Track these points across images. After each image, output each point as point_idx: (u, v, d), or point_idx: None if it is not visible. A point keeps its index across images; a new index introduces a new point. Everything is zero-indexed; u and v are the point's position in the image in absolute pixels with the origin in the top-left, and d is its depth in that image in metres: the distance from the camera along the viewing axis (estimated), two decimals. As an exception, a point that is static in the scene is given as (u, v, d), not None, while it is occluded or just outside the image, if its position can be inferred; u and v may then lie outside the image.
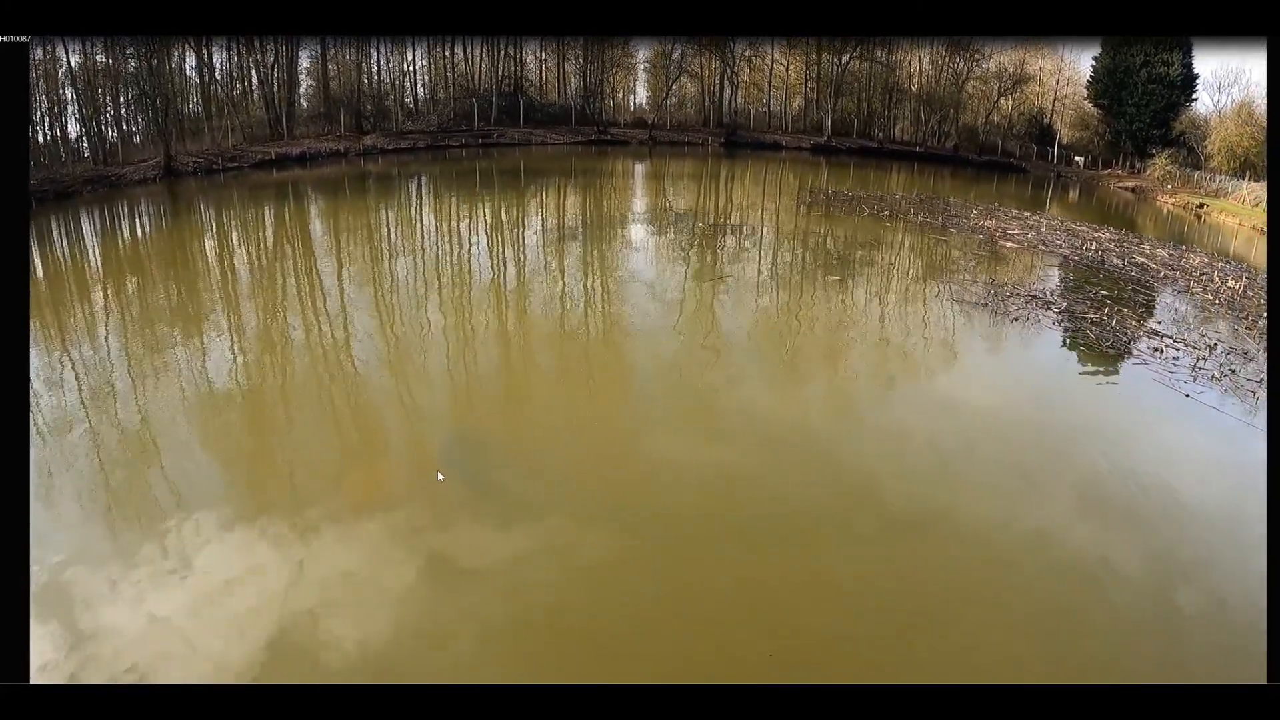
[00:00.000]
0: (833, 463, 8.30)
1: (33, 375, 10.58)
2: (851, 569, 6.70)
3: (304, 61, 45.24)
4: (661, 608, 6.28)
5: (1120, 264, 19.36)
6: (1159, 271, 19.03)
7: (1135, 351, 12.25)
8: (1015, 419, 9.76)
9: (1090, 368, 11.74)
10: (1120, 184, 46.92)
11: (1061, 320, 13.62)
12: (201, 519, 7.10)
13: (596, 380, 11.05)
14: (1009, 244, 21.03)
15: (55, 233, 23.66)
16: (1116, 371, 11.57)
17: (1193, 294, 17.14)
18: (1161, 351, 12.30)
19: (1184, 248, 23.71)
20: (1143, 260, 20.18)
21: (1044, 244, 21.25)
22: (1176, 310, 15.78)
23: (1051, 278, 17.05)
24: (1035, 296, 14.93)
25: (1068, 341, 12.79)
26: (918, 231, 22.64)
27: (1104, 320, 13.66)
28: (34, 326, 13.10)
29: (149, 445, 8.65)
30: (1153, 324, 13.98)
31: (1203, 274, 19.31)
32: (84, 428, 8.99)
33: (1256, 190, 39.61)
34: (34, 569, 6.29)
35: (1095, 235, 23.45)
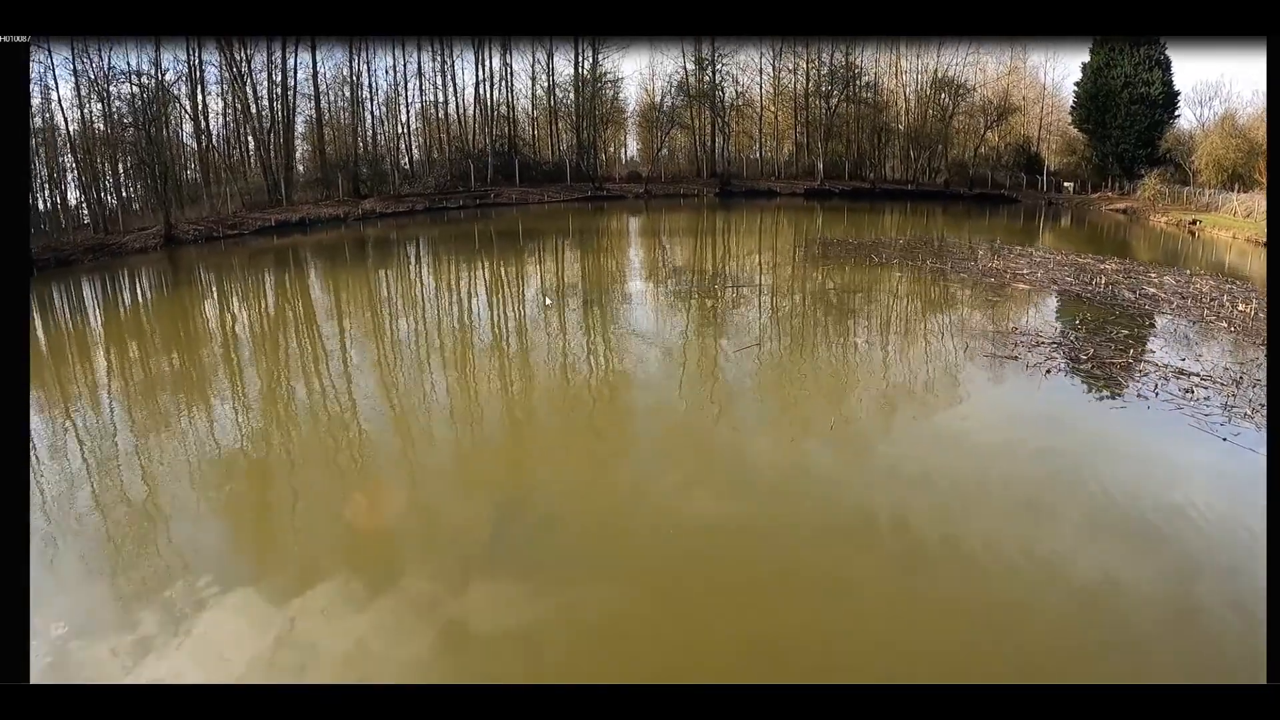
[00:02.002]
0: (879, 529, 8.26)
1: (36, 442, 11.10)
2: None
3: (299, 127, 45.95)
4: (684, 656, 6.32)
5: (1132, 297, 19.57)
6: (1171, 301, 19.22)
7: (1167, 394, 12.30)
8: (1064, 479, 9.67)
9: (1129, 419, 11.66)
10: (1111, 207, 47.48)
11: (1091, 368, 13.70)
12: (208, 588, 7.21)
13: (615, 441, 11.12)
14: (1021, 285, 21.23)
15: (58, 301, 23.86)
16: (1155, 420, 11.53)
17: (1207, 323, 17.26)
18: (1192, 392, 12.37)
19: (1188, 272, 23.94)
20: (1152, 290, 20.40)
21: (1055, 282, 21.46)
22: (1196, 343, 15.85)
23: (1071, 319, 17.16)
24: (1060, 344, 15.06)
25: (1101, 391, 12.82)
26: (929, 279, 22.91)
27: (1130, 364, 13.79)
28: (37, 395, 13.67)
29: (158, 515, 8.86)
30: (1178, 362, 14.07)
31: (1212, 299, 19.51)
32: (88, 495, 9.36)
33: (1246, 201, 40.27)
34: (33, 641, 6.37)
35: (1102, 267, 23.75)
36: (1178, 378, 13.10)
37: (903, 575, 7.51)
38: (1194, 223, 40.60)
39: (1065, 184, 52.11)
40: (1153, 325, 17.12)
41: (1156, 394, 12.37)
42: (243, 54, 41.22)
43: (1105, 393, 12.73)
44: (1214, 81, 50.54)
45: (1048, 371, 13.52)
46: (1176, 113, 50.37)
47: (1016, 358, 14.29)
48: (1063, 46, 51.08)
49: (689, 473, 10.01)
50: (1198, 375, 13.22)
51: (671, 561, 7.77)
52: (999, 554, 7.85)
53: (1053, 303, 19.47)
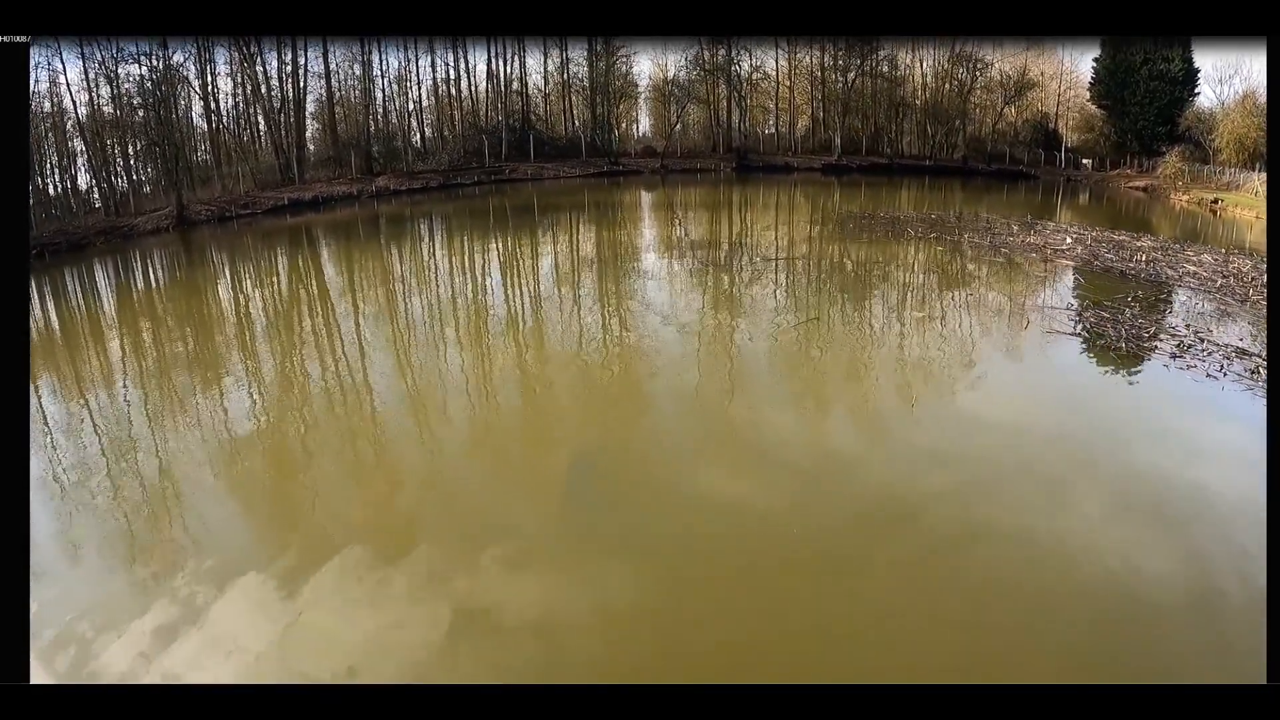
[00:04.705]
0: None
1: (52, 427, 11.25)
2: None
3: (310, 106, 45.47)
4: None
5: (1175, 274, 19.44)
6: (1214, 280, 19.01)
7: (1235, 374, 12.20)
8: (1166, 467, 9.55)
9: (1212, 399, 11.52)
10: (1130, 184, 47.12)
11: (1155, 346, 13.58)
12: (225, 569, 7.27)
13: (665, 427, 10.78)
14: (1064, 261, 21.09)
15: (70, 285, 23.71)
16: (1235, 401, 11.38)
17: (1254, 303, 17.08)
18: (1258, 372, 12.23)
19: (1224, 251, 23.70)
20: (1192, 268, 20.22)
21: (1096, 258, 21.28)
22: (1248, 322, 15.73)
23: (1122, 296, 16.92)
24: (1118, 320, 14.93)
25: (1173, 370, 12.66)
26: (972, 255, 22.75)
27: (1193, 343, 13.65)
28: (52, 380, 13.78)
29: (183, 499, 8.88)
30: (1237, 342, 13.92)
31: (1253, 279, 19.30)
32: (103, 477, 9.41)
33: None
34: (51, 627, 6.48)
35: (1138, 245, 23.51)
36: (1241, 358, 12.99)
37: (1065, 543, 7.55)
38: (1215, 201, 40.23)
39: (1084, 161, 51.68)
40: (1202, 304, 17.00)
41: (1224, 374, 12.26)
42: (251, 34, 40.62)
43: (1177, 371, 12.57)
44: (1234, 59, 49.84)
45: (1114, 350, 13.41)
46: (1196, 90, 49.76)
47: (1080, 335, 14.20)
48: (1063, 45, 50.82)
49: (787, 440, 9.93)
50: (1259, 356, 13.06)
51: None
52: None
53: (1100, 280, 19.21)
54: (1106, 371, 12.85)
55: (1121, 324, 14.68)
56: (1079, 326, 14.70)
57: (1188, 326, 14.72)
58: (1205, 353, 13.17)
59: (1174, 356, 13.04)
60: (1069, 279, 19.59)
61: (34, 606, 6.58)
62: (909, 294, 18.35)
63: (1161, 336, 14.03)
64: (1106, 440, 10.11)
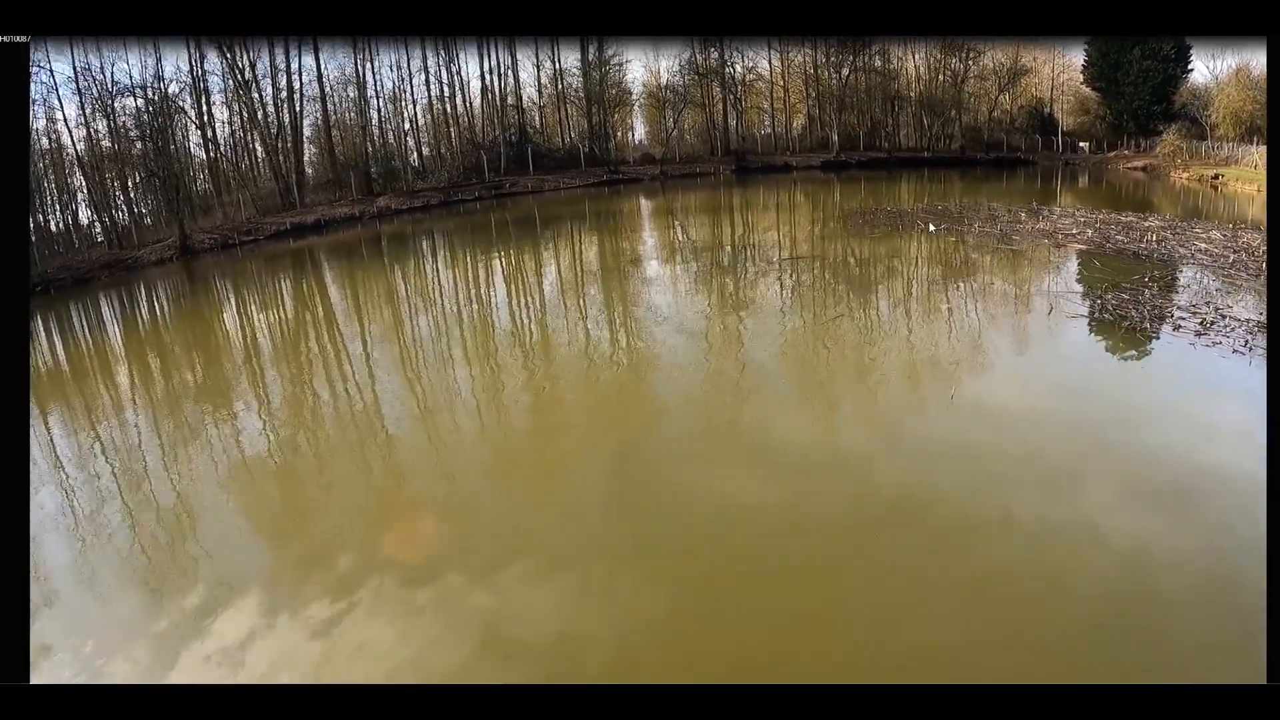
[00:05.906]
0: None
1: (64, 460, 11.24)
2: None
3: (306, 130, 45.61)
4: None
5: (1187, 252, 19.42)
6: (1226, 256, 18.97)
7: (1260, 349, 12.12)
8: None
9: (1246, 376, 11.49)
10: (1129, 165, 47.00)
11: (1175, 326, 13.55)
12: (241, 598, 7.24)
13: (685, 444, 10.52)
14: (1076, 245, 21.04)
15: (76, 320, 23.75)
16: (1261, 375, 11.35)
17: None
18: (1282, 346, 12.22)
19: (1231, 226, 23.62)
20: (1203, 245, 20.20)
21: (1108, 240, 21.26)
22: (1264, 297, 15.68)
23: (1139, 277, 16.88)
24: (1138, 301, 14.91)
25: (1202, 347, 12.58)
26: (983, 244, 22.68)
27: (1215, 320, 13.60)
28: (62, 414, 13.89)
29: (205, 526, 8.84)
30: (1257, 316, 13.88)
31: (1263, 253, 19.27)
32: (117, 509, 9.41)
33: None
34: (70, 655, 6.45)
35: (1146, 225, 23.49)
36: (1264, 332, 12.91)
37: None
38: (1216, 177, 40.09)
39: (1080, 144, 51.55)
40: (1218, 280, 16.93)
41: (1249, 349, 12.21)
42: (245, 60, 40.68)
43: (1203, 349, 12.50)
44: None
45: (1140, 331, 13.39)
46: (1190, 66, 49.63)
47: (1104, 318, 14.18)
48: (1062, 44, 50.78)
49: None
50: (1279, 330, 13.04)
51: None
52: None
53: (1115, 262, 19.13)
54: (1135, 353, 12.80)
55: (1143, 304, 14.65)
56: (1101, 309, 14.65)
57: (1208, 303, 14.66)
58: (1229, 329, 13.13)
59: (1198, 334, 12.99)
60: (1084, 263, 19.51)
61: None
62: (927, 288, 18.17)
63: (1184, 315, 13.99)
64: (1145, 424, 10.07)
